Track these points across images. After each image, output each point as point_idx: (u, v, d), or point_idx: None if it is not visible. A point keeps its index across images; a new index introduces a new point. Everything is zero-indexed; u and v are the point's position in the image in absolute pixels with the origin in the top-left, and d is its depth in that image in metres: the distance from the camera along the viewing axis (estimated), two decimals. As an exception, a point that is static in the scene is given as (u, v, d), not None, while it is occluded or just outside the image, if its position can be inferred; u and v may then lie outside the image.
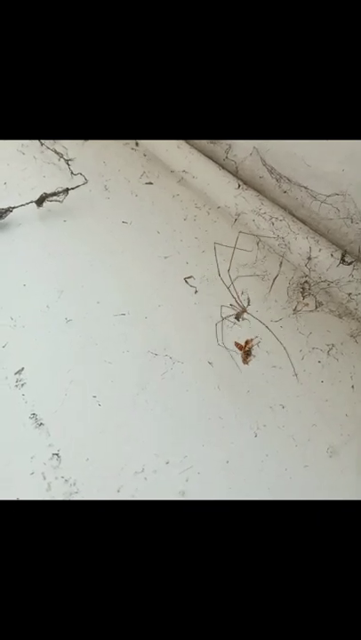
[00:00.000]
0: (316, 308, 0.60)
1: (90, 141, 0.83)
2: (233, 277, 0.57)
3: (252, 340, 0.56)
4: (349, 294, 0.60)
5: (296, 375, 0.58)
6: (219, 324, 0.56)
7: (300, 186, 0.62)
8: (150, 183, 0.77)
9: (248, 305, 0.62)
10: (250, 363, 0.55)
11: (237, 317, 0.56)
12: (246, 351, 0.55)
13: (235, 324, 0.56)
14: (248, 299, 0.62)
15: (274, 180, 0.65)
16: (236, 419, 0.55)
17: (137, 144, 0.82)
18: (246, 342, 0.56)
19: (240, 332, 0.59)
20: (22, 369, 0.57)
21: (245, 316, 0.60)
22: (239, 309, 0.56)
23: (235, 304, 0.56)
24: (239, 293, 0.58)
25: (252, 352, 0.55)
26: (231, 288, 0.57)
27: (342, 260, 0.61)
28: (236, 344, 0.56)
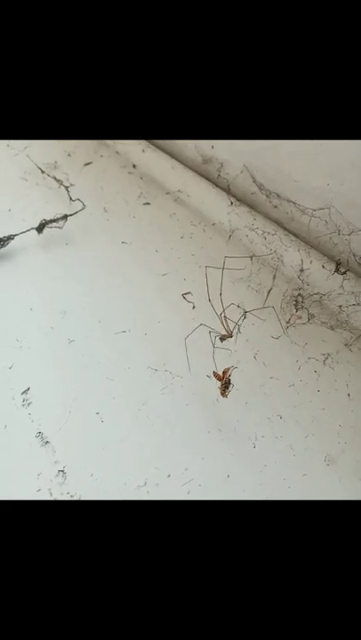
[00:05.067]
0: (309, 320, 0.61)
1: (89, 166, 0.86)
2: (224, 300, 0.59)
3: (229, 368, 0.55)
4: (340, 306, 0.61)
5: (293, 385, 0.59)
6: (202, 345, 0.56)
7: (288, 201, 0.64)
8: (148, 204, 0.80)
9: (244, 318, 0.64)
10: (228, 395, 0.54)
11: (222, 339, 0.57)
12: (225, 383, 0.54)
13: (222, 343, 0.57)
14: (244, 312, 0.64)
15: (264, 195, 0.67)
16: (234, 431, 0.57)
17: (134, 166, 0.85)
18: (224, 372, 0.55)
19: (237, 345, 0.61)
20: (28, 389, 0.59)
21: (241, 329, 0.62)
22: (225, 333, 0.57)
23: (221, 328, 0.57)
24: (228, 315, 0.58)
25: (231, 382, 0.54)
26: (221, 313, 0.58)
27: (337, 270, 0.62)
28: (215, 374, 0.56)
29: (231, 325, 0.59)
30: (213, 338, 0.57)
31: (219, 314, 0.58)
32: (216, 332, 0.58)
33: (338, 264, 0.62)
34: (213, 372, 0.56)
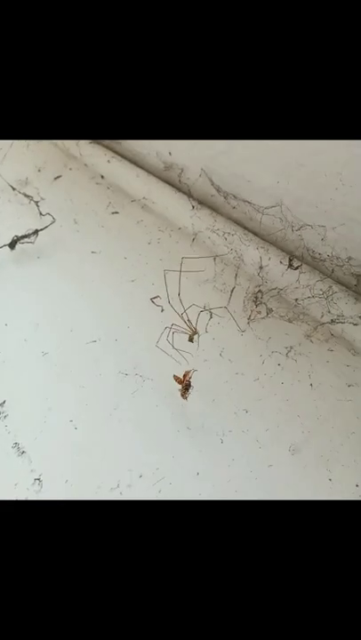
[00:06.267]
0: (268, 314, 0.63)
1: (59, 180, 0.88)
2: (184, 300, 0.61)
3: (189, 372, 0.57)
4: (296, 299, 0.63)
5: (258, 379, 0.61)
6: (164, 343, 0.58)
7: (245, 201, 0.66)
8: (116, 213, 0.82)
9: (210, 318, 0.66)
10: (188, 397, 0.56)
11: (190, 340, 0.59)
12: (185, 385, 0.56)
13: (192, 342, 0.59)
14: (210, 312, 0.66)
15: (222, 197, 0.69)
16: (202, 428, 0.58)
17: (102, 177, 0.87)
18: (184, 375, 0.57)
19: (203, 344, 0.62)
20: (4, 402, 0.61)
21: (208, 328, 0.64)
22: (190, 332, 0.59)
23: (186, 327, 0.59)
24: (190, 316, 0.60)
25: (192, 384, 0.56)
26: (183, 314, 0.59)
27: (290, 265, 0.64)
28: (175, 377, 0.58)
29: (199, 326, 0.61)
30: (172, 336, 0.59)
31: (180, 314, 0.60)
32: (183, 332, 0.60)
33: (290, 259, 0.64)
34: (174, 375, 0.58)
